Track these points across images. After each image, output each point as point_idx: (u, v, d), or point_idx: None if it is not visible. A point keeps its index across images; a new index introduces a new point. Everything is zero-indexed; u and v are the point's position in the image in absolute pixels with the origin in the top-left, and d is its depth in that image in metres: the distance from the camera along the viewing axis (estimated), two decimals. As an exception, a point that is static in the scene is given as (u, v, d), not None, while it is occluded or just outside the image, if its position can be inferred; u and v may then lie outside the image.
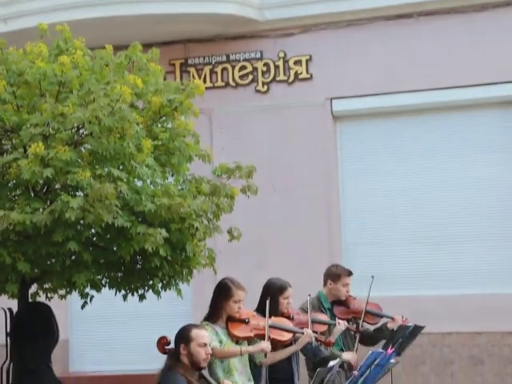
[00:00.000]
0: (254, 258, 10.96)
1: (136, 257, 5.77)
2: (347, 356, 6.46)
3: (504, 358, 10.62)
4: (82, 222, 5.19)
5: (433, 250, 11.09)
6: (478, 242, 11.01)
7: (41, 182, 5.24)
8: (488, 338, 10.69)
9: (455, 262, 11.06)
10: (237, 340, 5.74)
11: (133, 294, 6.18)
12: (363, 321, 6.66)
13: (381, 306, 7.02)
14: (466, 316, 10.68)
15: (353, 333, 6.59)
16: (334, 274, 6.85)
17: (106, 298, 10.86)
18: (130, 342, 12.47)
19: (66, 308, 11.85)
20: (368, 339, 6.84)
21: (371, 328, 6.89)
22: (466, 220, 11.04)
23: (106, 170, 5.26)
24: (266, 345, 5.64)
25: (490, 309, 10.58)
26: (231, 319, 5.83)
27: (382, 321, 6.85)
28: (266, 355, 5.71)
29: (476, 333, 10.70)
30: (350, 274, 6.84)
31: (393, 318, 6.73)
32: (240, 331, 5.75)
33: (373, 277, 6.69)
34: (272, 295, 6.10)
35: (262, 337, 5.81)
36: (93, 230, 5.52)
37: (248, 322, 5.79)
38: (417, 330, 6.57)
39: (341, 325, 6.31)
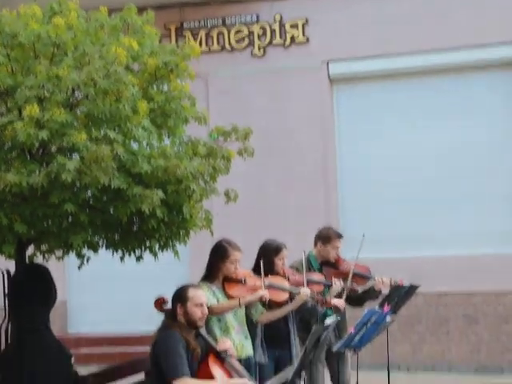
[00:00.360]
0: (250, 221, 11.01)
1: (133, 218, 5.79)
2: (336, 301, 6.45)
3: (499, 317, 10.73)
4: (78, 183, 5.20)
5: (429, 212, 11.15)
6: (474, 202, 11.08)
7: (36, 144, 5.24)
8: (483, 298, 10.80)
9: (451, 223, 11.12)
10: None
11: (130, 255, 6.21)
12: (351, 282, 6.71)
13: (378, 267, 7.04)
14: (462, 276, 10.77)
15: (349, 292, 6.63)
16: (325, 237, 6.89)
17: (104, 260, 10.94)
18: (128, 303, 12.56)
19: (63, 270, 11.92)
20: (355, 300, 6.89)
21: (359, 289, 6.94)
22: (462, 181, 11.08)
23: (101, 132, 5.26)
24: (264, 292, 5.70)
25: (485, 269, 10.67)
26: (228, 280, 5.89)
27: (370, 282, 6.89)
28: (265, 304, 5.76)
29: (471, 293, 10.81)
30: (340, 236, 6.87)
31: (380, 280, 6.77)
32: (236, 291, 5.80)
33: (364, 235, 6.71)
34: (267, 256, 6.14)
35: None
36: (89, 192, 5.55)
37: (245, 282, 5.85)
38: (412, 289, 6.63)
39: (337, 284, 6.36)
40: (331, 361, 6.81)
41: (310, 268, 6.74)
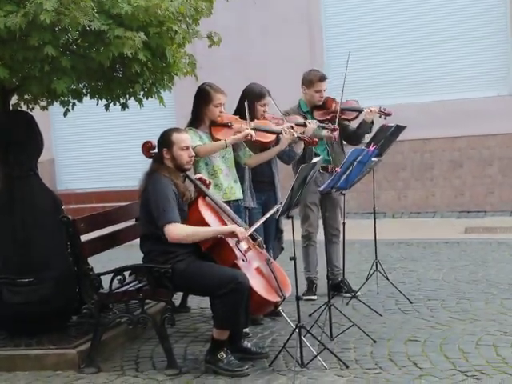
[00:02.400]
0: (234, 70, 10.91)
1: (116, 64, 5.70)
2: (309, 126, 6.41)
3: (483, 160, 10.89)
4: (58, 27, 5.07)
5: (412, 56, 11.11)
6: (457, 45, 11.01)
7: (12, -14, 5.05)
8: (468, 142, 10.91)
9: (434, 67, 11.10)
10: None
11: (115, 104, 6.13)
12: (343, 119, 6.70)
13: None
14: (447, 121, 10.84)
15: (329, 132, 6.64)
16: (307, 80, 6.84)
17: (89, 116, 10.87)
18: (116, 159, 12.63)
19: (49, 128, 11.90)
20: (352, 137, 6.93)
21: (353, 126, 6.96)
22: (446, 23, 10.96)
23: (78, -30, 5.06)
24: (250, 131, 5.70)
25: (470, 113, 10.74)
26: (214, 124, 5.87)
27: (362, 115, 6.87)
28: (252, 139, 5.75)
29: (456, 137, 10.90)
30: (322, 79, 6.78)
31: (369, 110, 6.75)
32: (223, 135, 5.80)
33: (349, 52, 6.66)
34: (250, 101, 6.05)
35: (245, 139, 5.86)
36: (70, 37, 5.45)
37: (231, 125, 5.84)
38: (398, 130, 6.67)
39: (311, 124, 6.32)
40: (324, 204, 6.92)
41: (300, 114, 6.73)
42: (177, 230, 5.08)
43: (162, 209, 5.10)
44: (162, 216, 5.09)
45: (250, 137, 5.68)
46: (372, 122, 6.82)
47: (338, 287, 6.92)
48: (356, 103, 6.88)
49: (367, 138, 6.85)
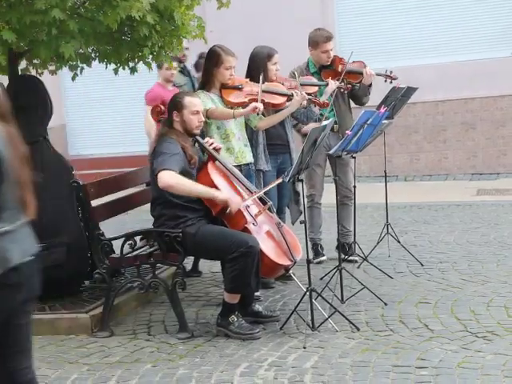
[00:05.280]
0: (245, 36, 10.80)
1: (124, 28, 5.65)
2: (330, 86, 6.35)
3: (495, 121, 10.79)
4: (65, -11, 5.03)
5: (423, 18, 10.96)
6: (470, 5, 10.86)
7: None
8: (481, 103, 10.81)
9: (446, 28, 10.98)
10: (231, 106, 5.74)
11: (123, 68, 6.10)
12: (348, 80, 6.56)
13: (378, 77, 6.88)
14: (459, 83, 10.73)
15: (343, 91, 6.57)
16: (313, 41, 6.71)
17: (100, 82, 10.83)
18: (128, 124, 12.60)
19: (59, 94, 11.87)
20: (354, 98, 6.85)
21: (356, 86, 6.85)
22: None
23: None
24: (257, 104, 5.62)
25: (482, 74, 10.62)
26: (224, 87, 5.82)
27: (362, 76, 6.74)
28: (259, 114, 5.70)
29: (469, 98, 10.81)
30: (327, 39, 6.64)
31: (367, 73, 6.56)
32: (234, 97, 5.75)
33: (352, 52, 6.49)
34: (260, 62, 6.00)
35: (256, 101, 5.80)
36: (78, 1, 5.40)
37: (241, 88, 5.79)
38: (410, 91, 6.59)
39: (332, 84, 6.28)
40: (334, 166, 6.87)
41: (307, 73, 6.65)
42: (169, 176, 4.94)
43: (162, 159, 5.03)
44: (159, 165, 4.99)
45: (257, 110, 5.59)
46: (370, 85, 6.70)
47: (345, 249, 6.78)
48: (362, 64, 6.73)
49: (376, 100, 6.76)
